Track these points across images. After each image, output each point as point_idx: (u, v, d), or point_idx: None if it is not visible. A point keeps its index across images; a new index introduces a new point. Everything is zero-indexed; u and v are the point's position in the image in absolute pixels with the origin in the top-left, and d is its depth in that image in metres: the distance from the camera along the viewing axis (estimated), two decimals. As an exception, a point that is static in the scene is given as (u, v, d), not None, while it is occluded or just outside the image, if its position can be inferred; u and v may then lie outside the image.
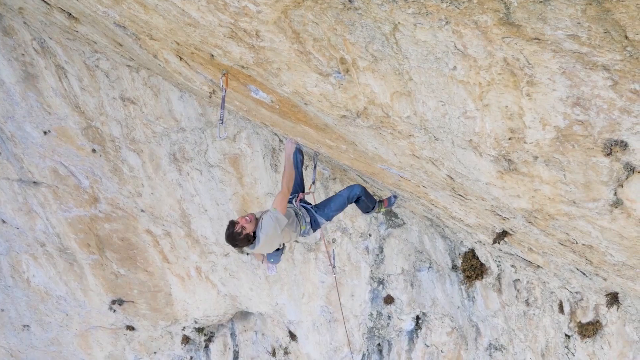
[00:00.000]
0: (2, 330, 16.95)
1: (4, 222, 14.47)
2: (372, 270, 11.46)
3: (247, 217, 6.74)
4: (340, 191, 7.98)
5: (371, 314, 11.98)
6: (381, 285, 11.52)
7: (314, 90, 4.95)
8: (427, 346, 11.29)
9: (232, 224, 6.75)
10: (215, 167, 11.77)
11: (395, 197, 8.51)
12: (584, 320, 7.80)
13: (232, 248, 7.13)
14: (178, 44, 5.92)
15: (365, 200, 8.07)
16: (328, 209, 7.76)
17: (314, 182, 8.38)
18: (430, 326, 11.14)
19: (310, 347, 13.62)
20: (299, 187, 7.97)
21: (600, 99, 3.05)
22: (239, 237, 6.72)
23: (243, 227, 6.72)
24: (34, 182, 13.35)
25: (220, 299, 14.54)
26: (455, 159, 4.78)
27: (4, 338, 17.13)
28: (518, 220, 5.67)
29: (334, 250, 9.54)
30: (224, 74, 5.98)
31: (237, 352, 15.85)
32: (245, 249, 7.14)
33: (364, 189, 7.90)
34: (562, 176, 3.94)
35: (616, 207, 3.97)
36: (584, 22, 2.66)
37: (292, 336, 13.99)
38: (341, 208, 7.89)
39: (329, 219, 7.72)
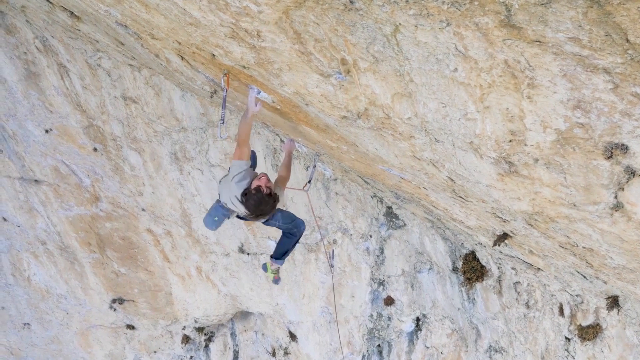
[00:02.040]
0: (3, 328, 16.97)
1: (5, 220, 14.48)
2: (372, 272, 11.46)
3: (266, 177, 6.09)
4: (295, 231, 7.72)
5: (371, 315, 11.97)
6: (381, 287, 11.52)
7: (315, 91, 4.95)
8: (427, 348, 11.28)
9: (258, 190, 5.98)
10: (216, 167, 11.77)
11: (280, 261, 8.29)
12: (584, 324, 7.79)
13: (255, 220, 6.33)
14: (179, 43, 5.92)
15: (287, 244, 7.81)
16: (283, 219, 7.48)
17: (310, 181, 8.25)
18: (430, 328, 11.13)
19: (311, 347, 13.62)
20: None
21: (601, 102, 3.05)
22: (273, 202, 6.06)
23: (269, 188, 6.06)
24: (35, 181, 13.36)
25: (220, 298, 14.54)
26: (455, 160, 4.78)
27: (5, 336, 17.14)
28: (518, 222, 5.66)
29: (333, 251, 9.51)
30: (225, 74, 5.98)
31: (237, 352, 15.86)
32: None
33: (297, 238, 7.70)
34: (563, 179, 3.93)
35: (617, 211, 3.96)
36: (585, 24, 2.65)
37: (292, 336, 13.99)
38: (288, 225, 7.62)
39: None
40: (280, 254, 7.98)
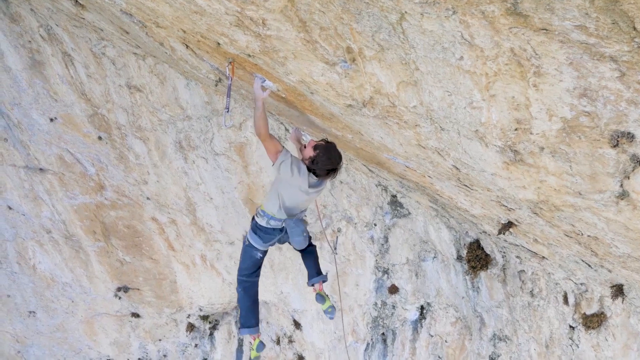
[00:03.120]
0: (8, 316, 17.03)
1: (10, 208, 14.51)
2: (377, 260, 11.47)
3: (309, 141, 6.12)
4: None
5: (375, 304, 11.99)
6: (386, 275, 11.53)
7: (320, 79, 4.95)
8: (432, 336, 11.31)
9: (317, 146, 5.99)
10: (221, 156, 11.77)
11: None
12: (588, 312, 7.80)
13: (334, 176, 6.21)
14: (184, 32, 5.92)
15: (313, 253, 7.48)
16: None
17: None
18: (434, 316, 11.15)
19: (315, 336, 13.66)
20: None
21: (608, 90, 3.04)
22: (334, 145, 6.07)
23: (322, 139, 6.13)
24: (40, 169, 13.38)
25: (225, 287, 14.58)
26: (461, 149, 4.77)
27: (10, 324, 17.21)
28: (523, 211, 5.66)
29: (337, 238, 9.50)
30: (230, 63, 5.98)
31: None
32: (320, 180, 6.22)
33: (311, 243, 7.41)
34: (568, 167, 3.93)
35: (622, 199, 3.96)
36: (592, 12, 2.65)
37: (297, 325, 14.02)
38: None
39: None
40: (316, 269, 7.69)
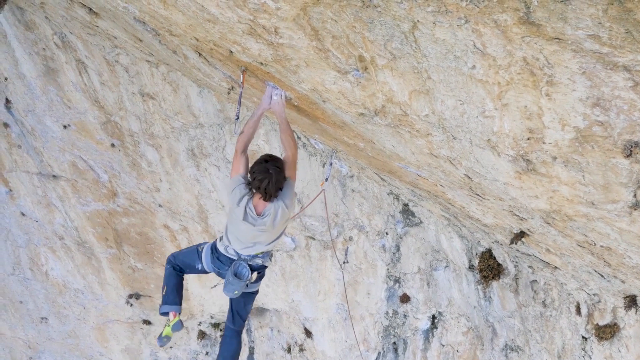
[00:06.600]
0: (21, 322, 17.11)
1: (23, 215, 14.59)
2: (388, 269, 11.44)
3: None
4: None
5: (387, 313, 11.96)
6: (397, 284, 11.50)
7: (332, 88, 4.95)
8: (443, 346, 11.26)
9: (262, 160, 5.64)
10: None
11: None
12: (601, 323, 7.75)
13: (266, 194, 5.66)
14: (197, 40, 5.94)
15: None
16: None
17: (327, 179, 8.10)
18: (446, 326, 11.11)
19: (326, 344, 13.63)
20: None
21: (621, 99, 3.03)
22: (277, 162, 5.70)
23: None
24: (54, 176, 13.45)
25: (236, 294, 14.55)
26: (473, 158, 4.76)
27: (22, 330, 17.28)
28: (536, 221, 5.64)
29: (348, 247, 9.47)
30: (242, 71, 5.99)
31: (253, 347, 15.89)
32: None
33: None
34: (581, 177, 3.91)
35: (635, 209, 3.94)
36: (605, 22, 2.64)
37: (308, 333, 13.99)
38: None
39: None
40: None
